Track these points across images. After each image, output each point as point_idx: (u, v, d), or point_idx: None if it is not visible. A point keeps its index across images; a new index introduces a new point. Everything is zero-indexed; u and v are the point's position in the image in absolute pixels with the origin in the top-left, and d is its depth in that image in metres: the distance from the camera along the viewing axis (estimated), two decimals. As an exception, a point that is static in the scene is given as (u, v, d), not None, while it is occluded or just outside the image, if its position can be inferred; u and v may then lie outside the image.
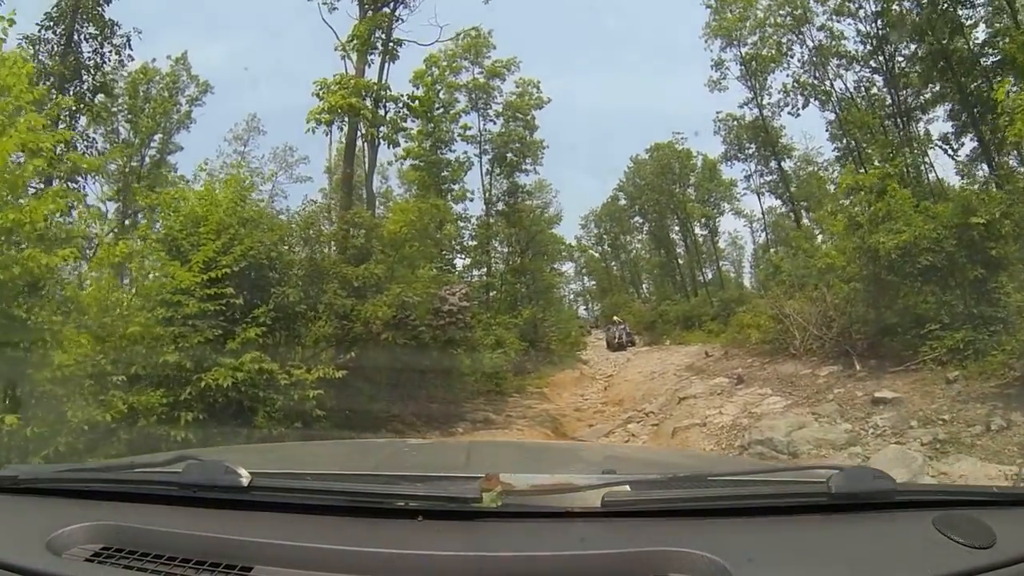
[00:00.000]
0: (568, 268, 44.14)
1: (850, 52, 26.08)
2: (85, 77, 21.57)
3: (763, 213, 34.31)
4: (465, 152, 26.98)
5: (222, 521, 1.54)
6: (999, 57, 20.06)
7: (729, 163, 32.63)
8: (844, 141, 26.27)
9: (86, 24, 21.43)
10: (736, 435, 10.54)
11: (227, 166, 15.74)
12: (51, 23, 20.70)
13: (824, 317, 14.76)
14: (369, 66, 16.78)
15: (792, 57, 27.54)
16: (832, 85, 26.59)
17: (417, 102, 17.52)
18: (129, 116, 28.22)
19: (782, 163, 30.31)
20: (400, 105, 17.09)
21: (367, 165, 17.55)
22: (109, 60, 22.07)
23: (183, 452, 2.02)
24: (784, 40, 27.52)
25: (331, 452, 3.28)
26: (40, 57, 20.56)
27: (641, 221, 40.81)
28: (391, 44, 16.93)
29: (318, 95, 15.73)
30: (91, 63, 21.58)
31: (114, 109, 28.46)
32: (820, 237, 23.81)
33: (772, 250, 30.76)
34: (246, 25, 46.20)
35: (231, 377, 9.39)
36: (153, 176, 26.89)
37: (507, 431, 13.06)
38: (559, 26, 54.93)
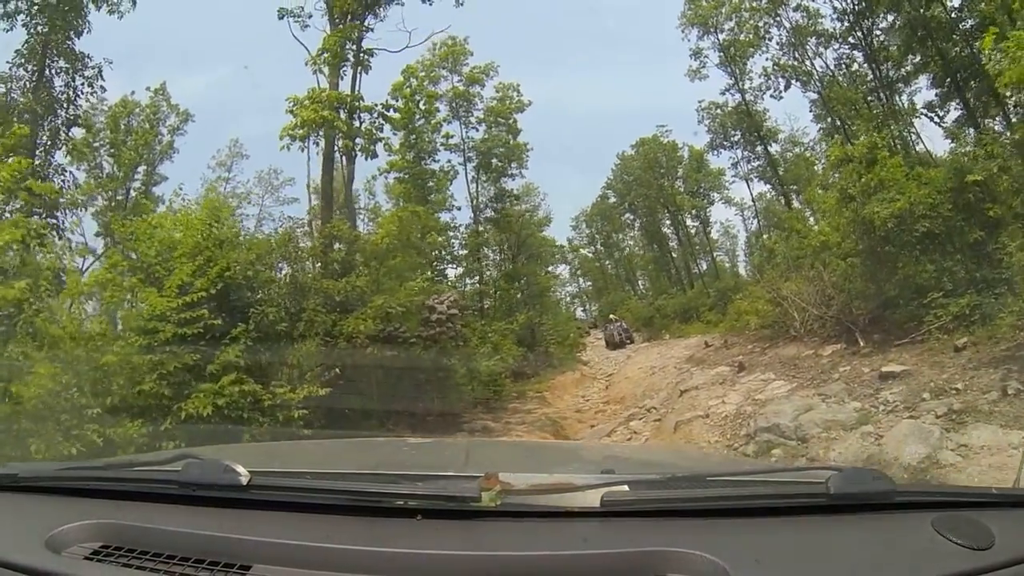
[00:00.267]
0: (563, 270, 43.75)
1: (828, 30, 25.75)
2: (59, 112, 21.21)
3: (753, 200, 33.83)
4: (449, 161, 26.61)
5: (221, 519, 1.53)
6: (977, 20, 19.60)
7: (715, 152, 32.10)
8: (829, 120, 25.85)
9: (57, 59, 21.08)
10: (740, 424, 10.06)
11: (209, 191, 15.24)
12: (22, 60, 20.42)
13: (823, 296, 14.29)
14: (342, 79, 16.38)
15: (770, 40, 27.15)
16: (813, 64, 26.18)
17: (392, 111, 17.03)
18: (111, 150, 28.06)
19: (768, 147, 29.83)
20: (375, 115, 16.64)
21: (345, 178, 17.04)
22: (82, 93, 21.59)
23: (183, 451, 2.07)
24: (761, 24, 27.11)
25: (330, 451, 3.24)
26: (12, 95, 20.34)
27: (632, 218, 40.42)
28: (362, 55, 16.47)
29: (291, 112, 15.32)
30: (63, 97, 21.13)
31: (96, 144, 28.46)
32: (812, 218, 23.55)
33: (765, 235, 30.36)
34: (225, 53, 45.71)
35: (211, 404, 8.93)
36: (139, 208, 26.52)
37: (503, 438, 12.57)
38: (538, 29, 54.41)
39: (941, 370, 9.70)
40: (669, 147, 34.98)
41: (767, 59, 27.42)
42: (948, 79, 21.61)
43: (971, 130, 19.88)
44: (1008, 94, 19.51)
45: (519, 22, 52.17)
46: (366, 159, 16.75)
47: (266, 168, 27.10)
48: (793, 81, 27.08)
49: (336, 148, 15.84)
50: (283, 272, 12.57)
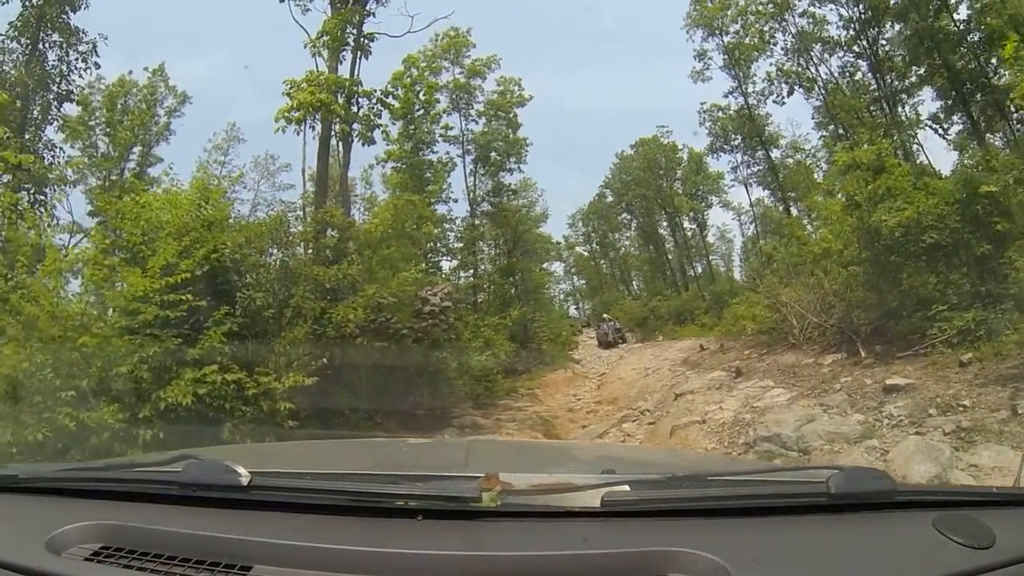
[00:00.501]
0: (557, 268, 43.43)
1: (833, 37, 25.48)
2: (52, 86, 20.74)
3: (751, 205, 33.53)
4: (447, 153, 26.22)
5: (222, 520, 1.51)
6: (985, 34, 19.30)
7: (715, 155, 31.85)
8: (832, 127, 25.55)
9: (51, 32, 20.57)
10: (739, 432, 9.70)
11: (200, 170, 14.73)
12: (15, 32, 19.89)
13: (823, 304, 13.95)
14: (341, 63, 15.93)
15: (775, 45, 26.86)
16: (817, 71, 25.86)
17: (391, 98, 16.57)
18: (107, 129, 27.68)
19: (769, 152, 29.52)
20: (374, 101, 16.17)
21: (341, 164, 16.53)
22: (75, 68, 21.05)
23: (183, 451, 1.99)
24: (766, 28, 26.78)
25: (331, 451, 3.21)
26: (4, 67, 19.85)
27: (629, 218, 40.12)
28: (363, 39, 16.00)
29: (288, 94, 14.86)
30: (56, 72, 20.64)
31: (91, 123, 28.08)
32: (811, 225, 23.30)
33: (762, 241, 30.07)
34: (226, 38, 45.17)
35: (191, 394, 8.52)
36: (132, 189, 26.06)
37: (496, 436, 12.21)
38: (539, 26, 53.90)
39: (947, 385, 9.35)
40: (669, 148, 34.75)
41: (771, 64, 27.21)
42: (954, 91, 21.31)
43: (974, 143, 19.45)
44: (1012, 109, 19.60)
45: (520, 19, 51.87)
46: (363, 145, 16.26)
47: (263, 153, 26.49)
48: (796, 87, 26.85)
49: (333, 133, 15.37)
50: (273, 257, 12.11)
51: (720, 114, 29.80)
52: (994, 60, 19.66)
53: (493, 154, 26.89)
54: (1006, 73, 19.40)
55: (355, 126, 15.72)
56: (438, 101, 25.93)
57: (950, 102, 21.85)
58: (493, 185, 27.31)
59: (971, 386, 9.09)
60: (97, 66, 21.39)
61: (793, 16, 26.01)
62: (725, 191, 34.83)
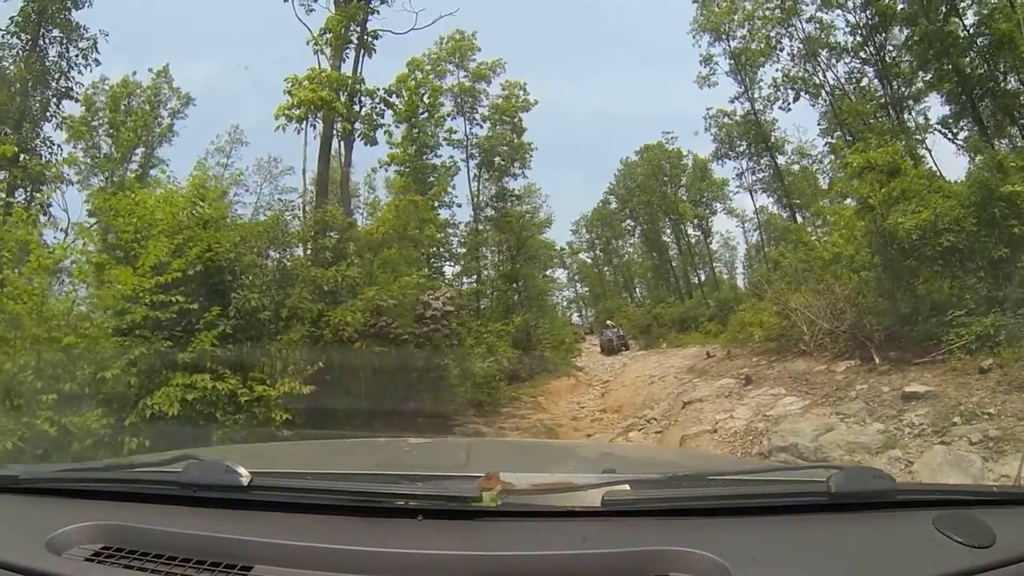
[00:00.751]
0: (560, 275, 42.99)
1: (840, 43, 25.40)
2: (52, 83, 20.43)
3: (756, 212, 33.11)
4: (451, 157, 25.89)
5: (222, 520, 1.49)
6: (994, 38, 18.96)
7: (720, 162, 31.53)
8: (838, 133, 25.23)
9: (52, 28, 20.28)
10: (752, 442, 9.24)
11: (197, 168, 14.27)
12: (16, 28, 19.63)
13: (833, 310, 13.47)
14: (345, 60, 15.55)
15: (782, 51, 26.65)
16: (824, 76, 25.57)
17: (394, 96, 16.15)
18: (110, 130, 27.51)
19: (775, 158, 29.11)
20: (377, 100, 15.76)
21: (342, 163, 16.07)
22: (76, 65, 20.74)
23: (184, 452, 1.97)
24: (773, 33, 26.51)
25: (331, 451, 3.17)
26: (4, 63, 19.59)
27: (632, 224, 39.64)
28: (366, 36, 15.61)
29: (289, 92, 14.48)
30: (56, 68, 20.34)
31: (94, 123, 27.90)
32: (817, 232, 22.92)
33: (768, 248, 29.69)
34: (232, 41, 44.92)
35: (178, 400, 8.09)
36: (130, 188, 25.78)
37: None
38: (547, 29, 53.87)
39: (969, 392, 8.89)
40: (674, 154, 34.35)
41: (777, 70, 27.04)
42: (963, 95, 20.94)
43: (991, 145, 18.98)
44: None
45: (524, 22, 51.64)
46: (365, 144, 15.86)
47: (266, 156, 26.16)
48: (803, 93, 26.58)
49: (335, 133, 14.96)
50: (272, 258, 11.67)
51: (726, 120, 29.55)
52: (1003, 64, 19.55)
53: (497, 159, 26.60)
54: (1016, 77, 19.58)
55: (357, 125, 15.32)
56: (442, 104, 25.69)
57: (958, 107, 21.47)
58: (497, 190, 27.03)
59: (994, 393, 8.65)
60: (97, 63, 21.09)
61: (800, 21, 25.94)
62: (730, 198, 34.58)
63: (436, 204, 23.11)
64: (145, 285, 8.93)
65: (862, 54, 24.92)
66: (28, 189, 18.16)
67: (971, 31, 20.20)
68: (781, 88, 27.02)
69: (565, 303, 49.93)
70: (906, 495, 1.56)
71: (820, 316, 13.63)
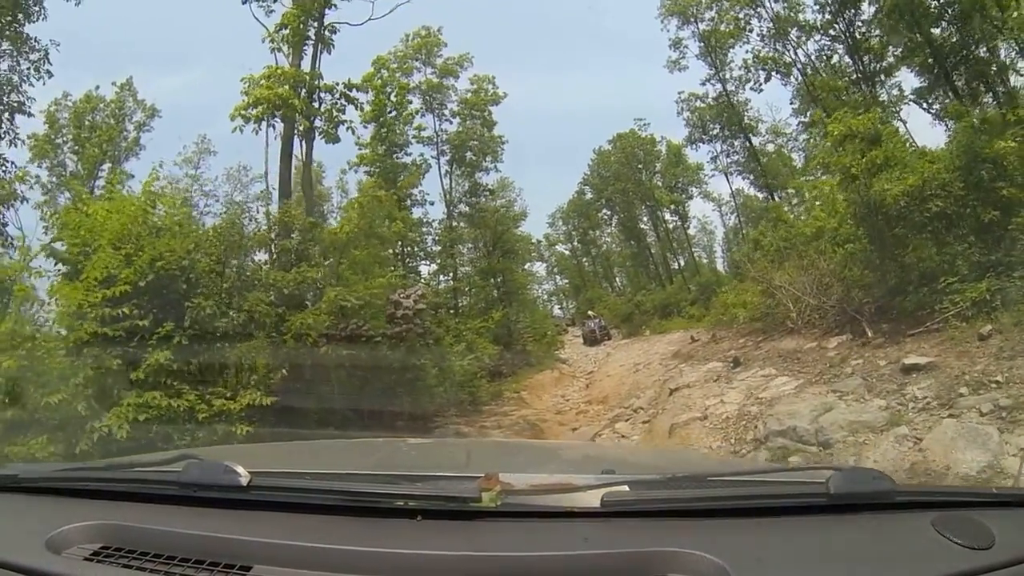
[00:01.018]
0: (539, 268, 42.36)
1: (809, 21, 24.91)
2: (3, 98, 19.57)
3: (733, 194, 32.64)
4: (421, 154, 25.14)
5: (222, 520, 1.49)
6: (963, 5, 18.57)
7: (694, 146, 30.96)
8: (813, 108, 24.69)
9: (1, 42, 19.36)
10: (746, 427, 8.65)
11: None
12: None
13: (820, 285, 12.91)
14: (303, 57, 14.76)
15: (751, 31, 26.06)
16: (796, 54, 25.09)
17: (355, 91, 15.37)
18: (75, 147, 26.77)
19: (750, 138, 28.62)
20: (337, 96, 14.95)
21: (304, 160, 15.18)
22: (26, 78, 19.83)
23: (183, 451, 2.02)
24: (742, 15, 25.94)
25: (330, 451, 3.11)
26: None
27: (609, 214, 38.91)
28: (324, 31, 14.81)
29: (245, 92, 13.71)
30: (6, 82, 19.45)
31: (58, 141, 27.12)
32: (796, 210, 22.54)
33: (745, 230, 29.27)
34: (201, 53, 43.98)
35: (129, 421, 7.39)
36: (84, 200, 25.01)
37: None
38: (514, 26, 52.81)
39: (971, 361, 8.33)
40: (647, 141, 33.74)
41: (747, 51, 26.46)
42: (936, 66, 20.51)
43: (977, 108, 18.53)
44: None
45: (491, 20, 50.76)
46: (326, 142, 15.01)
47: (235, 165, 25.46)
48: (774, 73, 26.10)
49: (296, 132, 14.18)
50: (233, 264, 10.86)
51: (698, 103, 29.00)
52: (975, 33, 19.15)
53: (468, 154, 25.89)
54: (987, 46, 19.21)
55: (318, 123, 14.54)
56: (410, 102, 24.99)
57: (932, 77, 21.05)
58: (470, 186, 26.35)
59: (998, 360, 8.09)
60: (50, 74, 20.04)
61: (768, 1, 25.31)
62: (705, 182, 34.04)
63: (405, 199, 22.51)
64: (91, 299, 8.23)
65: (831, 31, 24.44)
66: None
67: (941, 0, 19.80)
68: (752, 69, 26.51)
69: (545, 296, 49.48)
70: (905, 496, 1.56)
71: (806, 292, 13.08)
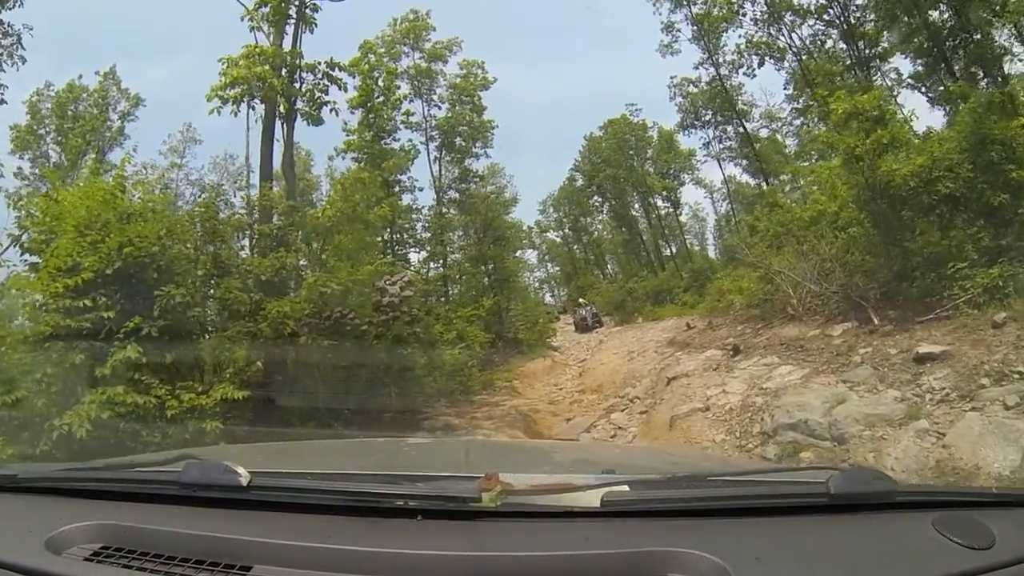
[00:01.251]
0: (530, 256, 41.82)
1: (803, 5, 24.35)
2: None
3: (725, 180, 32.05)
4: (410, 140, 24.38)
5: (222, 520, 1.47)
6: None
7: (686, 132, 30.40)
8: (808, 92, 24.21)
9: (-31, 28, 18.56)
10: (752, 419, 8.11)
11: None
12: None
13: (821, 271, 12.33)
14: (285, 36, 14.00)
15: (744, 16, 25.43)
16: (791, 37, 24.53)
17: (339, 70, 14.60)
18: (58, 138, 26.08)
19: (744, 123, 28.05)
20: (319, 75, 14.22)
21: (285, 141, 14.39)
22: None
23: (183, 451, 1.97)
24: (735, -1, 25.30)
25: (331, 451, 3.12)
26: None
27: (600, 200, 38.27)
28: (304, 7, 14.04)
29: (223, 73, 12.97)
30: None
31: (41, 131, 26.39)
32: (792, 196, 22.03)
33: (735, 218, 28.78)
34: (191, 40, 43.07)
35: (89, 419, 6.78)
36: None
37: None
38: (504, 13, 52.20)
39: (988, 350, 7.79)
40: (639, 127, 33.21)
41: (740, 36, 25.85)
42: (934, 49, 19.96)
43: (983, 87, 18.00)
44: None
45: (484, 7, 50.06)
46: (308, 124, 14.25)
47: (221, 153, 24.78)
48: (767, 58, 25.53)
49: (278, 114, 13.45)
50: (209, 250, 10.18)
51: (691, 88, 28.40)
52: (974, 14, 18.62)
53: (458, 140, 25.22)
54: (981, 32, 18.72)
55: (299, 104, 13.81)
56: (398, 87, 24.23)
57: (931, 60, 20.51)
58: (460, 172, 25.65)
59: (1017, 349, 7.59)
60: (23, 60, 19.20)
61: (763, -17, 24.70)
62: (697, 168, 33.51)
63: (394, 185, 21.85)
64: (52, 289, 7.60)
65: (825, 16, 23.96)
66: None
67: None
68: (745, 54, 25.93)
69: (537, 284, 48.97)
70: (906, 496, 1.54)
71: (806, 278, 12.51)
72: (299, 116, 13.89)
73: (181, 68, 42.87)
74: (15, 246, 9.33)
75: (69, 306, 7.64)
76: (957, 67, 19.74)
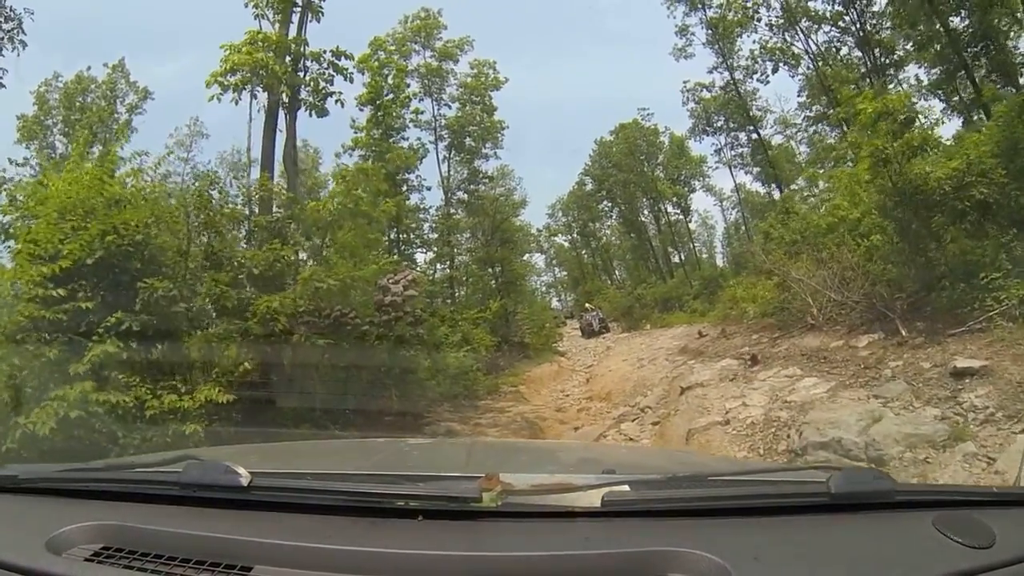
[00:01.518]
0: (538, 259, 41.15)
1: (818, 12, 23.95)
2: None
3: (736, 187, 31.39)
4: (419, 139, 23.84)
5: (222, 521, 1.46)
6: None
7: (698, 138, 29.75)
8: (822, 100, 23.66)
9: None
10: (776, 435, 7.44)
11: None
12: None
13: (841, 279, 11.65)
14: (291, 23, 13.41)
15: (759, 21, 24.92)
16: (808, 43, 23.98)
17: (345, 59, 14.01)
18: (65, 129, 25.71)
19: (758, 129, 27.39)
20: (325, 64, 13.60)
21: (288, 131, 13.72)
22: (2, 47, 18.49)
23: (184, 452, 1.99)
24: (750, 3, 24.78)
25: (331, 451, 3.12)
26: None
27: (610, 205, 37.55)
28: (310, -6, 13.43)
29: (225, 60, 12.38)
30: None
31: (48, 122, 25.78)
32: (807, 202, 21.41)
33: (753, 222, 28.13)
34: (199, 37, 42.70)
35: (55, 418, 6.20)
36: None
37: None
38: (516, 15, 51.56)
39: (1032, 366, 7.13)
40: (650, 132, 32.53)
41: (754, 41, 25.41)
42: (954, 56, 19.34)
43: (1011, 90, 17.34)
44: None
45: (496, 8, 49.55)
46: (310, 115, 13.62)
47: (229, 149, 24.22)
48: (781, 64, 24.99)
49: (281, 105, 12.86)
50: (202, 241, 9.57)
51: (704, 93, 27.77)
52: (997, 21, 18.04)
53: (468, 140, 24.69)
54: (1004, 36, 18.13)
55: (304, 94, 13.20)
56: (408, 85, 23.68)
57: (951, 67, 19.87)
58: (469, 172, 25.09)
59: (1064, 366, 6.91)
60: (24, 44, 18.64)
61: (778, -11, 24.18)
62: (708, 175, 32.88)
63: (400, 180, 21.30)
64: (26, 277, 7.03)
65: (841, 23, 23.56)
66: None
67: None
68: (759, 60, 25.40)
69: (544, 288, 48.35)
70: (906, 495, 1.53)
71: (826, 286, 11.83)
72: (303, 107, 13.28)
73: (191, 64, 42.51)
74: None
75: (45, 295, 7.07)
76: (978, 75, 19.19)
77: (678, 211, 34.29)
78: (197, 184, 10.72)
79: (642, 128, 32.35)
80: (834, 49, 24.00)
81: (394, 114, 22.77)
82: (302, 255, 11.14)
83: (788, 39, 24.64)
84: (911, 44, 21.67)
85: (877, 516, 1.41)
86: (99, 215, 7.83)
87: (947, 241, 10.00)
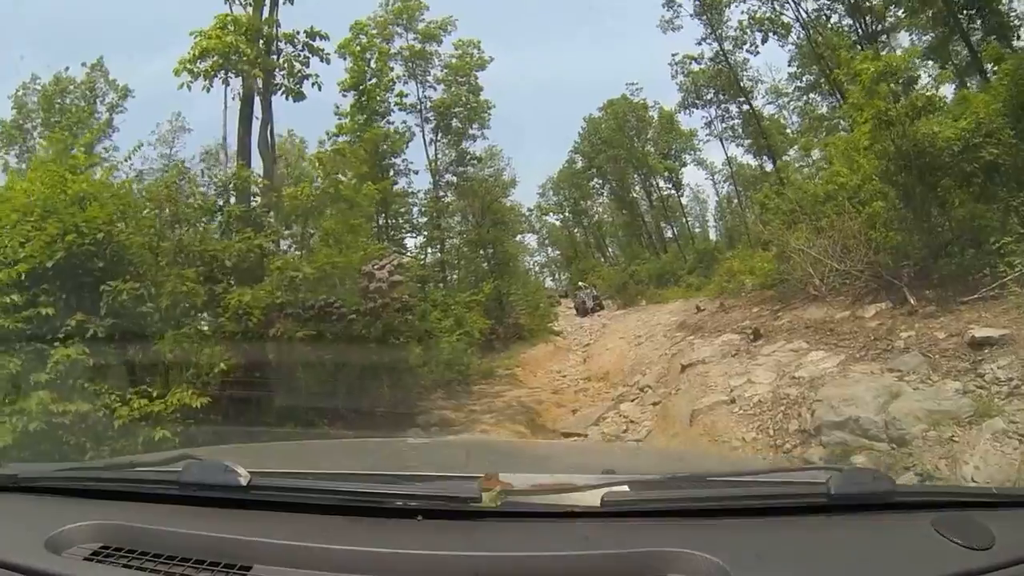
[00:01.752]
0: (530, 240, 40.59)
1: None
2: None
3: (727, 161, 30.83)
4: (404, 122, 23.10)
5: (222, 520, 1.45)
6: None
7: (688, 111, 29.14)
8: (814, 69, 23.07)
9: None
10: (786, 414, 6.96)
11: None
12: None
13: (843, 248, 11.14)
14: (264, 5, 12.70)
15: (747, -10, 24.14)
16: (798, 10, 23.32)
17: (319, 39, 13.28)
18: (45, 132, 25.13)
19: (750, 99, 26.80)
20: (300, 47, 12.92)
21: (267, 119, 13.00)
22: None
23: (183, 451, 1.98)
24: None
25: (331, 451, 3.09)
26: None
27: (601, 183, 37.06)
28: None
29: (194, 46, 11.71)
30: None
31: (27, 126, 25.34)
32: (801, 172, 20.92)
33: (737, 199, 27.67)
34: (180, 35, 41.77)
35: (14, 431, 5.71)
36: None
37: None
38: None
39: (1054, 334, 6.65)
40: (639, 107, 31.95)
41: (743, 12, 24.73)
42: (950, 19, 18.72)
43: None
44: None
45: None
46: (286, 99, 12.89)
47: (212, 143, 23.60)
48: (771, 34, 24.36)
49: (256, 90, 12.21)
50: (175, 236, 8.97)
51: (693, 65, 27.10)
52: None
53: (454, 121, 23.92)
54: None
55: (278, 78, 12.53)
56: (391, 69, 22.87)
57: (946, 30, 19.25)
58: (456, 154, 24.33)
59: (1090, 333, 6.44)
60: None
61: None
62: (699, 149, 32.35)
63: (386, 165, 20.67)
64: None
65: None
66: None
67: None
68: (748, 30, 24.76)
69: (537, 268, 47.86)
70: (905, 496, 1.52)
71: (827, 256, 11.33)
72: (279, 91, 12.63)
73: (173, 63, 41.56)
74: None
75: (3, 304, 6.55)
76: (974, 38, 18.61)
77: (670, 186, 33.90)
78: (164, 176, 10.11)
79: (631, 103, 31.80)
80: (824, 17, 23.44)
81: (378, 98, 22.01)
82: (284, 244, 10.57)
83: (777, 8, 24.03)
84: (902, 10, 21.06)
85: (876, 517, 1.40)
86: (60, 214, 7.27)
87: (954, 205, 9.53)
